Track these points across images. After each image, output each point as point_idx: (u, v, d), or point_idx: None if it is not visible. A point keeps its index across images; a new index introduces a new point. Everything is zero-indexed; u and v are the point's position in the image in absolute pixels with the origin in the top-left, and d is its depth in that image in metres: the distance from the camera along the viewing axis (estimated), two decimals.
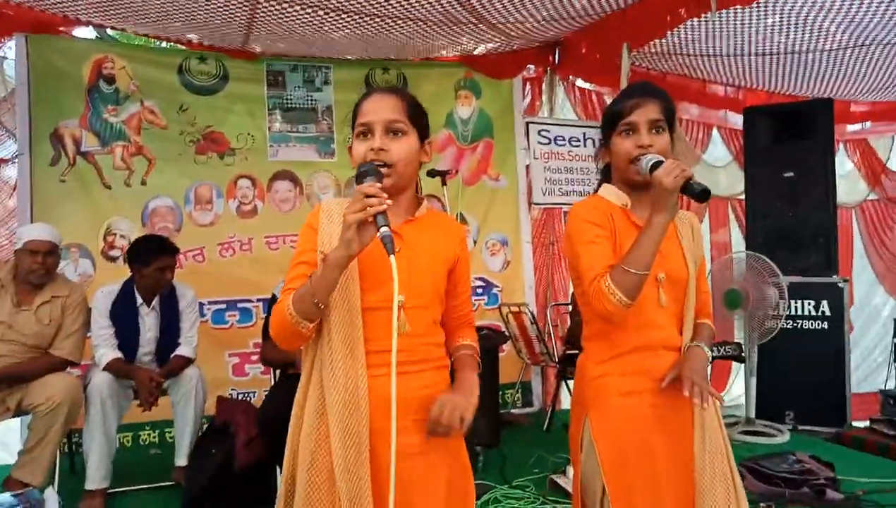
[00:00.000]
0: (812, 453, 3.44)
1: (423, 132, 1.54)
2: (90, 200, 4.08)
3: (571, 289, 4.33)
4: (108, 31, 4.27)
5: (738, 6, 3.66)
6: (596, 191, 1.77)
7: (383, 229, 1.29)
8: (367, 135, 1.47)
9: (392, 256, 1.27)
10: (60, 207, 4.00)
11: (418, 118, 1.52)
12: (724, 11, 3.95)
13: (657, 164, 1.53)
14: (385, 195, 1.32)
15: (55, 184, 4.00)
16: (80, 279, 4.00)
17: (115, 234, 4.07)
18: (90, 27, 4.13)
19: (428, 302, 1.50)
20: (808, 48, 4.52)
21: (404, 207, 1.54)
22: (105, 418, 3.03)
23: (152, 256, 3.31)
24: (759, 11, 3.97)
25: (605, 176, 1.76)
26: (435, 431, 1.42)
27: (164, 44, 4.41)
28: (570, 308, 4.85)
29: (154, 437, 4.10)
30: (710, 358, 1.65)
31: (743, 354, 4.12)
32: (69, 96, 4.04)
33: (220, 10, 3.62)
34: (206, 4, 3.54)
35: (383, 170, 1.43)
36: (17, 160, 3.92)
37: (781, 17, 4.07)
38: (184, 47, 4.32)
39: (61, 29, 3.99)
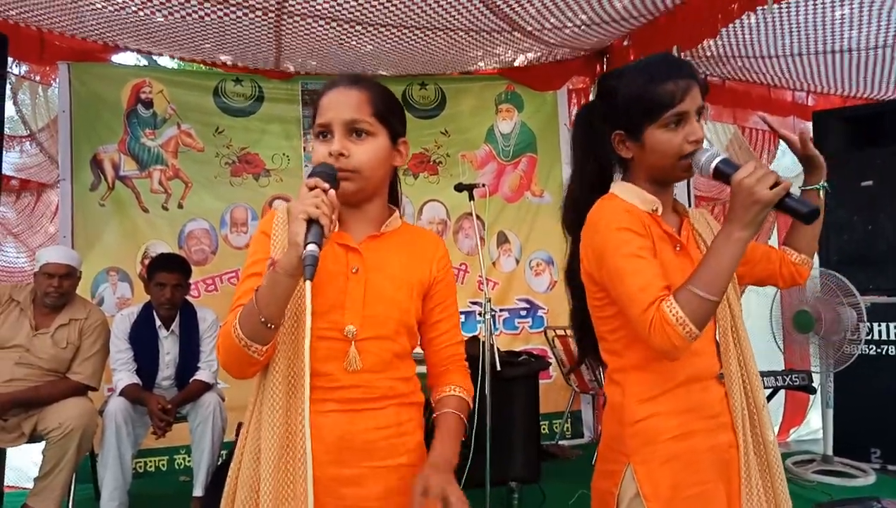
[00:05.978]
0: None
1: (395, 130, 1.30)
2: (128, 224, 4.11)
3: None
4: (151, 56, 4.34)
5: None
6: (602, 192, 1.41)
7: (310, 247, 1.05)
8: (327, 136, 1.25)
9: (308, 282, 1.04)
10: (99, 231, 4.05)
11: (389, 114, 1.28)
12: (784, 6, 3.63)
13: (726, 164, 1.21)
14: (328, 201, 1.11)
15: (94, 208, 4.05)
16: (119, 302, 4.03)
17: (151, 257, 4.07)
18: (128, 52, 4.19)
19: (390, 332, 1.27)
20: (886, 42, 4.08)
21: (370, 220, 1.32)
22: (120, 444, 2.97)
23: (154, 271, 3.30)
24: (825, 3, 3.60)
25: (622, 171, 1.43)
26: None
27: (200, 67, 4.43)
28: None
29: (189, 461, 4.03)
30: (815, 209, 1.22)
31: (814, 384, 3.67)
32: (109, 121, 4.10)
33: (247, 28, 3.59)
34: (233, 24, 3.52)
35: (342, 174, 1.21)
36: (58, 185, 4.01)
37: (852, 9, 3.68)
38: (220, 70, 4.32)
39: (101, 55, 4.07)
